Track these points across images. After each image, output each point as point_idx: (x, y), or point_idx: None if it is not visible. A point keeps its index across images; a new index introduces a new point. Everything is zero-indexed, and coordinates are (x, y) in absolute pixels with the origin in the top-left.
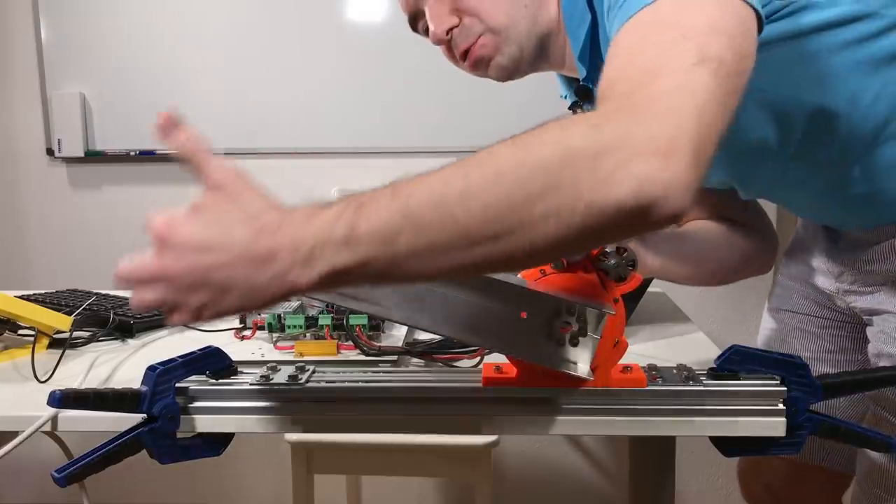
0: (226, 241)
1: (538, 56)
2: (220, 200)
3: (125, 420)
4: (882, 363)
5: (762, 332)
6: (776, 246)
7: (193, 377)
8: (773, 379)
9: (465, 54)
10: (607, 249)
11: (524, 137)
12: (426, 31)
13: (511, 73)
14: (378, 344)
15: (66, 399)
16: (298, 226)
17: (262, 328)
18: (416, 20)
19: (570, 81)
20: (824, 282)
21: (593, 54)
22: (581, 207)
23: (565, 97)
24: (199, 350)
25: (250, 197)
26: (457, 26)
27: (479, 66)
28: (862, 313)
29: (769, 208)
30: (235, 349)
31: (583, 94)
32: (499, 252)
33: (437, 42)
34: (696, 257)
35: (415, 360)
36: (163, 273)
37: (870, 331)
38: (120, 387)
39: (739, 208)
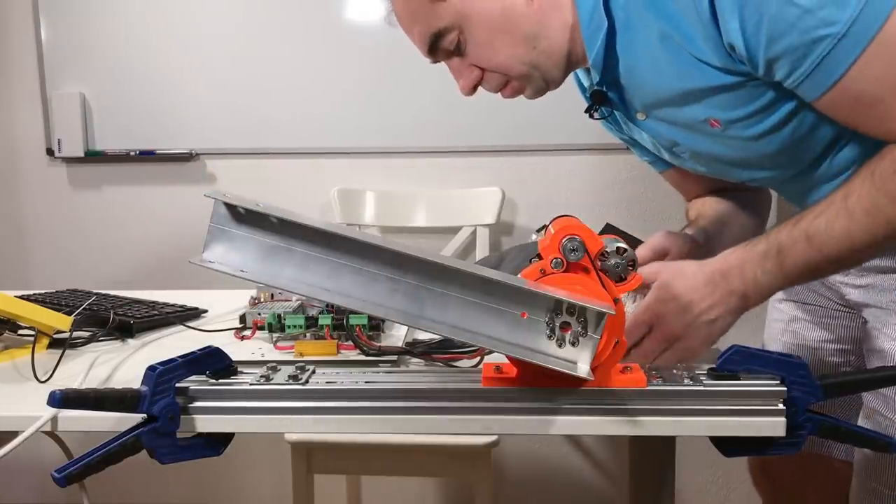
0: (706, 296)
1: (565, 70)
2: (669, 297)
3: (125, 420)
4: (874, 358)
5: (768, 322)
6: (770, 202)
7: (193, 377)
8: (774, 379)
9: (498, 91)
10: (607, 249)
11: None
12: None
13: (546, 91)
14: (378, 344)
15: (66, 399)
16: (748, 280)
17: (262, 328)
18: (434, 50)
19: (587, 75)
20: None
21: (608, 59)
22: None
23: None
24: (199, 350)
25: (683, 281)
26: (481, 78)
27: (516, 96)
28: (856, 307)
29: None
30: (235, 349)
31: (597, 98)
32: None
33: (468, 95)
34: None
35: (415, 360)
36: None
37: (864, 326)
38: (120, 387)
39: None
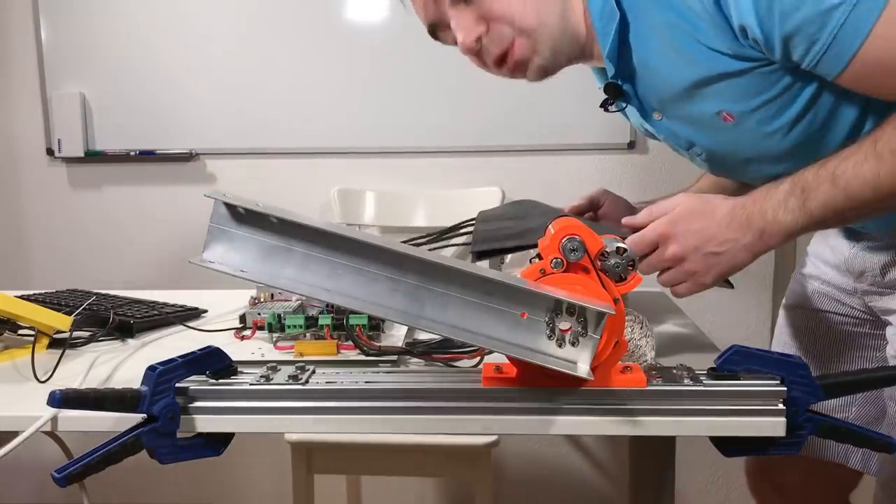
0: (722, 228)
1: (572, 51)
2: (681, 219)
3: (125, 420)
4: None
5: (778, 328)
6: None
7: (193, 377)
8: (774, 379)
9: (501, 60)
10: (607, 249)
11: None
12: (451, 40)
13: (548, 71)
14: (378, 344)
15: (66, 399)
16: (768, 218)
17: (261, 328)
18: (436, 29)
19: (603, 73)
20: (844, 281)
21: (622, 51)
22: None
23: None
24: (199, 350)
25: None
26: (485, 34)
27: (519, 69)
28: (880, 313)
29: None
30: (235, 349)
31: (612, 92)
32: None
33: (467, 51)
34: None
35: (415, 360)
36: (678, 256)
37: (889, 331)
38: (120, 387)
39: None
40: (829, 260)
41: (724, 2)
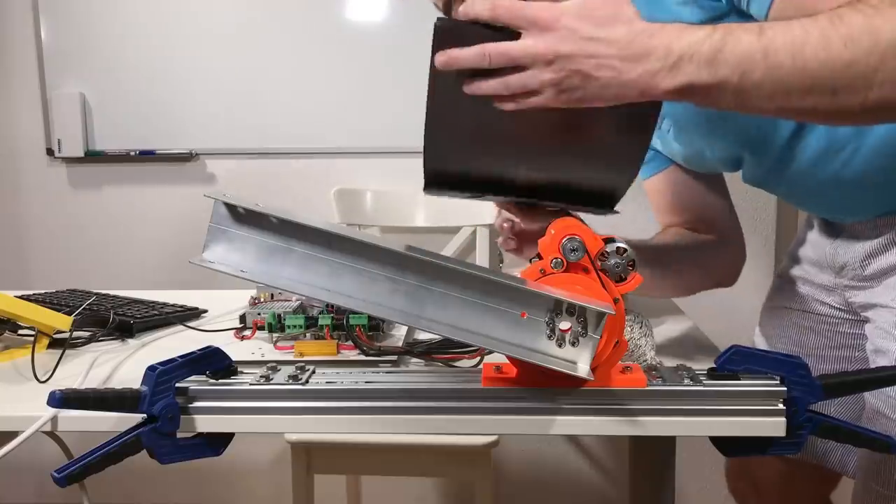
0: (609, 35)
1: None
2: (605, 3)
3: (125, 420)
4: (879, 359)
5: (760, 329)
6: (743, 260)
7: (193, 377)
8: (773, 379)
9: None
10: (607, 249)
11: (878, 6)
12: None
13: None
14: (378, 344)
15: (66, 399)
16: (672, 36)
17: (262, 328)
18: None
19: None
20: (826, 278)
21: None
22: None
23: None
24: (199, 350)
25: (627, 5)
26: None
27: None
28: (859, 309)
29: (770, 208)
30: (235, 349)
31: None
32: (829, 104)
33: None
34: (676, 270)
35: (415, 360)
36: (549, 52)
37: (868, 327)
38: (120, 387)
39: (721, 215)
40: (809, 257)
41: None
